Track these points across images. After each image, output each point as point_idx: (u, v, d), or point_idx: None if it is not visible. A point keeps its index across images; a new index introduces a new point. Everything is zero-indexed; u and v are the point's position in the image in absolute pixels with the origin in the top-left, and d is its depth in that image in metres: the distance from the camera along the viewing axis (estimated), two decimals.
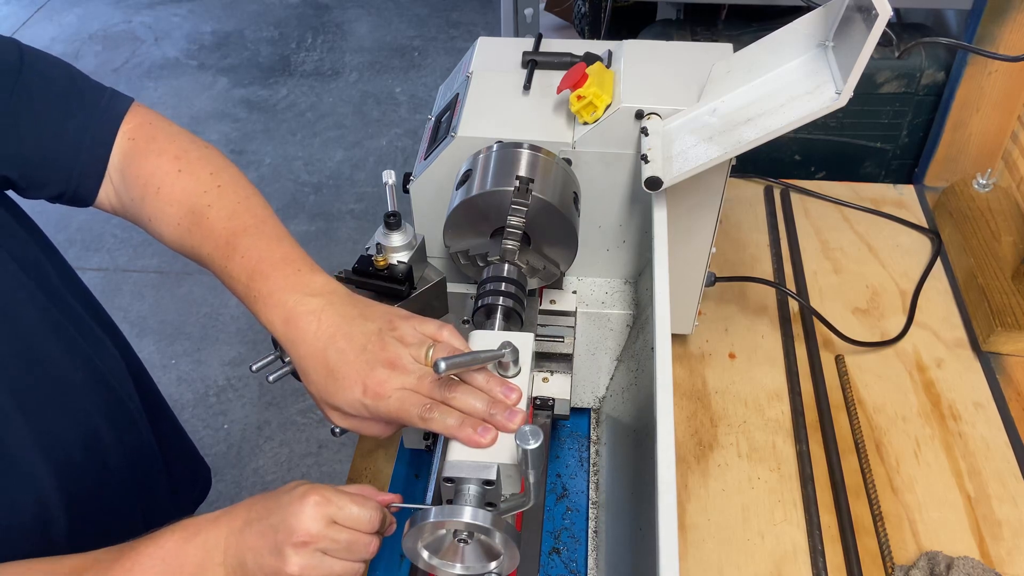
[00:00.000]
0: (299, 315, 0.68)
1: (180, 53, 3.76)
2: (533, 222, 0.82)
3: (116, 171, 0.79)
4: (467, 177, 0.84)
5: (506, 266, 0.81)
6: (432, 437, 0.96)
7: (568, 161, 0.88)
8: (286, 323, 0.68)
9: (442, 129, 0.92)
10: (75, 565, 0.63)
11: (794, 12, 0.82)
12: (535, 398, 0.87)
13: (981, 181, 1.28)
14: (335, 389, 0.66)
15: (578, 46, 0.96)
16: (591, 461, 1.01)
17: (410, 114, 3.38)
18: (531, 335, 0.73)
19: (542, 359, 0.89)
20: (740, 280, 1.19)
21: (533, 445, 0.59)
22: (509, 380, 0.68)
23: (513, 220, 0.81)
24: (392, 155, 3.19)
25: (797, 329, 1.15)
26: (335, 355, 0.66)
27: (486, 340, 0.72)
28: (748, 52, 0.83)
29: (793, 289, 1.20)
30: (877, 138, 1.50)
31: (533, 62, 0.94)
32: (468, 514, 0.59)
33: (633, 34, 1.65)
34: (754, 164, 1.41)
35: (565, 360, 0.89)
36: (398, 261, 0.81)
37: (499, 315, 0.78)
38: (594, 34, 2.11)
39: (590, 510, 0.96)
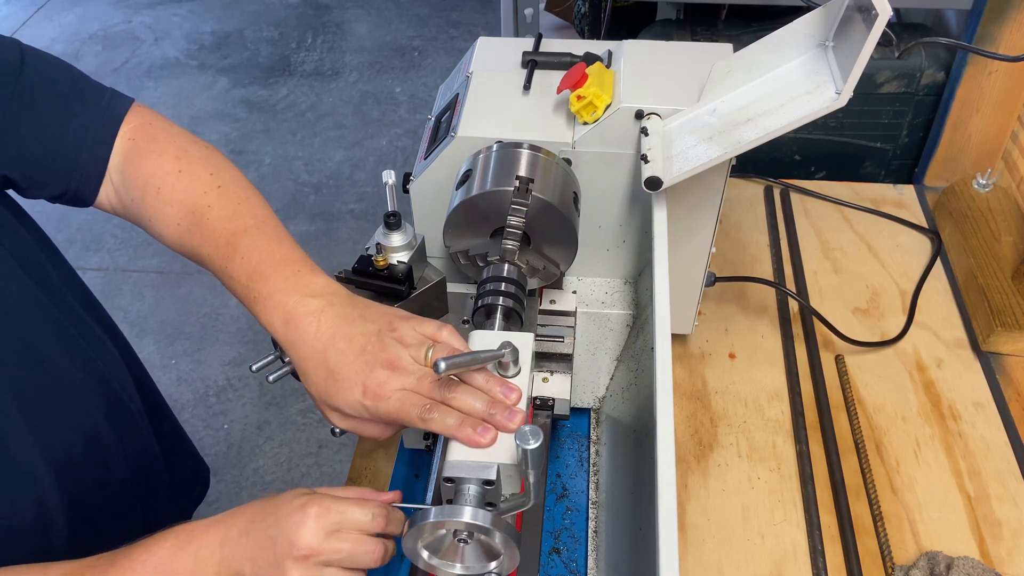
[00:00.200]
0: (299, 316, 0.68)
1: (180, 53, 3.76)
2: (533, 222, 0.82)
3: (116, 171, 0.79)
4: (467, 177, 0.84)
5: (506, 266, 0.81)
6: (432, 437, 0.96)
7: (568, 161, 0.88)
8: (286, 324, 0.68)
9: (442, 129, 0.92)
10: (67, 571, 0.62)
11: (794, 12, 0.82)
12: (535, 398, 0.87)
13: (981, 181, 1.28)
14: (335, 390, 0.66)
15: (578, 46, 0.96)
16: (591, 461, 1.01)
17: (410, 114, 3.38)
18: (531, 335, 0.73)
19: (542, 359, 0.89)
20: (740, 280, 1.19)
21: (533, 445, 0.59)
22: (509, 380, 0.68)
23: (513, 220, 0.81)
24: (392, 155, 3.19)
25: (797, 329, 1.15)
26: (335, 356, 0.66)
27: (486, 340, 0.72)
28: (748, 52, 0.83)
29: (793, 289, 1.20)
30: (877, 138, 1.50)
31: (533, 62, 0.94)
32: (468, 514, 0.59)
33: (633, 34, 1.65)
34: (754, 164, 1.41)
35: (565, 360, 0.89)
36: (398, 261, 0.81)
37: (499, 315, 0.78)
38: (594, 34, 2.11)
39: (590, 510, 0.96)
